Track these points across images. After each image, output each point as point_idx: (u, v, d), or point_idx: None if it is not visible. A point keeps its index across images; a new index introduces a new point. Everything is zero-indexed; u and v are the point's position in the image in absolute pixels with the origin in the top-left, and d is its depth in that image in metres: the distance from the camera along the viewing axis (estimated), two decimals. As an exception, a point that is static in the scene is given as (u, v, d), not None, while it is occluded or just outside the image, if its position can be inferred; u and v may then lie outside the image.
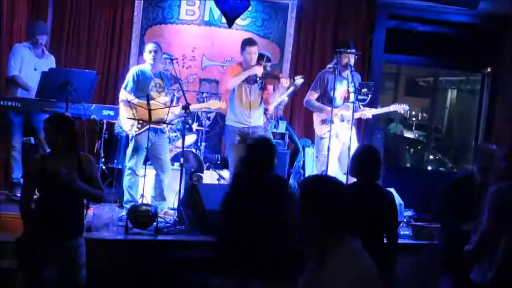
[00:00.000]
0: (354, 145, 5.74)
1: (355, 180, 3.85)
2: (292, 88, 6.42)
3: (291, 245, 3.44)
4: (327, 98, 6.11)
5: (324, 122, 6.08)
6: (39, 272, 3.65)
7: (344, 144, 6.04)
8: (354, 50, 6.05)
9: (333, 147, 5.95)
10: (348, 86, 6.11)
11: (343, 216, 2.19)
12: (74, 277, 3.74)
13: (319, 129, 6.12)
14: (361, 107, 6.19)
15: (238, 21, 7.12)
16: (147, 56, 5.92)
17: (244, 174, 3.67)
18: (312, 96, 6.17)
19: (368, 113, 6.19)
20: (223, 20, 6.76)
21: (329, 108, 5.98)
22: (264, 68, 6.00)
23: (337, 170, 6.04)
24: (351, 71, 6.05)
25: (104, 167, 6.47)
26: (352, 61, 6.06)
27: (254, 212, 3.45)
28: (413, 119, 11.89)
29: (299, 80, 6.01)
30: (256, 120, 6.04)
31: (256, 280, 3.37)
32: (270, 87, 6.23)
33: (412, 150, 10.83)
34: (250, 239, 3.41)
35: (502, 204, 3.45)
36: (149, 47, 5.96)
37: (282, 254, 3.43)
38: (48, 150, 3.90)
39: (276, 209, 3.46)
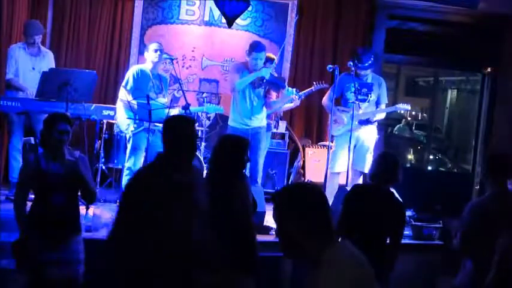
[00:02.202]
0: (370, 145, 6.19)
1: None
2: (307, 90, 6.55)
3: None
4: (343, 99, 6.29)
5: (335, 121, 6.22)
6: (37, 272, 3.65)
7: (362, 142, 6.19)
8: (366, 64, 6.11)
9: (344, 146, 6.08)
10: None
11: (326, 220, 2.19)
12: (72, 274, 3.73)
13: (333, 128, 6.20)
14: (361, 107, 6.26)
15: (238, 21, 7.12)
16: (153, 55, 5.90)
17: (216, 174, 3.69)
18: (329, 96, 6.29)
19: (379, 115, 6.28)
20: (223, 20, 6.76)
21: (337, 112, 6.22)
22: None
23: (346, 167, 6.08)
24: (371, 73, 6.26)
25: (104, 167, 6.47)
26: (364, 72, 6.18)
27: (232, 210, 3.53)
28: (412, 118, 11.90)
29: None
30: (258, 122, 6.11)
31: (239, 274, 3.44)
32: (274, 93, 6.28)
33: (412, 150, 10.84)
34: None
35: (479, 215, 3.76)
36: (154, 46, 5.94)
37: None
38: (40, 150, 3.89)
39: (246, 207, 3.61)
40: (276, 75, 6.28)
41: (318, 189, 2.26)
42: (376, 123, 6.35)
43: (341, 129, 6.20)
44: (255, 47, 6.00)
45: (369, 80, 6.23)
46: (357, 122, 6.09)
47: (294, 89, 6.24)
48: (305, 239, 2.17)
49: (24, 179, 3.82)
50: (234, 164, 3.62)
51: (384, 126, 8.27)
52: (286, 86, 6.25)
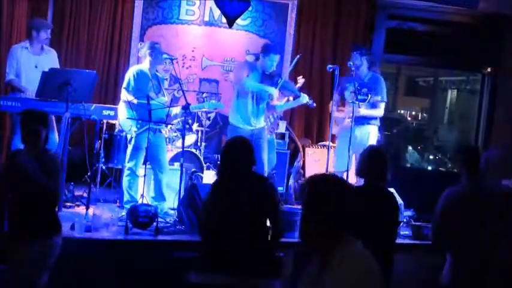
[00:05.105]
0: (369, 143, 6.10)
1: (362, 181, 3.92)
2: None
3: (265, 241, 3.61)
4: (343, 99, 6.46)
5: (335, 122, 6.37)
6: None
7: (360, 141, 6.15)
8: (355, 53, 6.23)
9: (343, 145, 6.12)
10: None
11: (344, 217, 2.19)
12: (29, 278, 3.56)
13: (334, 129, 6.38)
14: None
15: (238, 21, 7.12)
16: (158, 56, 5.91)
17: (225, 175, 3.71)
18: (333, 98, 6.41)
19: (362, 111, 6.26)
20: (223, 20, 6.77)
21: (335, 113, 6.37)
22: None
23: (346, 166, 6.08)
24: (369, 72, 6.31)
25: (103, 167, 6.47)
26: (358, 64, 6.24)
27: (237, 210, 3.52)
28: (412, 118, 11.89)
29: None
30: (261, 122, 6.20)
31: (241, 276, 3.42)
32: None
33: (412, 150, 10.83)
34: (234, 236, 3.49)
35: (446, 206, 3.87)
36: (160, 46, 5.95)
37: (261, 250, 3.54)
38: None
39: (256, 206, 3.56)
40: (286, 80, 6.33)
41: (345, 185, 2.28)
42: (375, 123, 6.33)
43: (337, 129, 6.43)
44: (273, 49, 6.09)
45: (366, 80, 6.24)
46: (351, 121, 6.14)
47: (309, 98, 6.33)
48: (321, 234, 2.16)
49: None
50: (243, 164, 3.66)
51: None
52: (301, 94, 6.35)
